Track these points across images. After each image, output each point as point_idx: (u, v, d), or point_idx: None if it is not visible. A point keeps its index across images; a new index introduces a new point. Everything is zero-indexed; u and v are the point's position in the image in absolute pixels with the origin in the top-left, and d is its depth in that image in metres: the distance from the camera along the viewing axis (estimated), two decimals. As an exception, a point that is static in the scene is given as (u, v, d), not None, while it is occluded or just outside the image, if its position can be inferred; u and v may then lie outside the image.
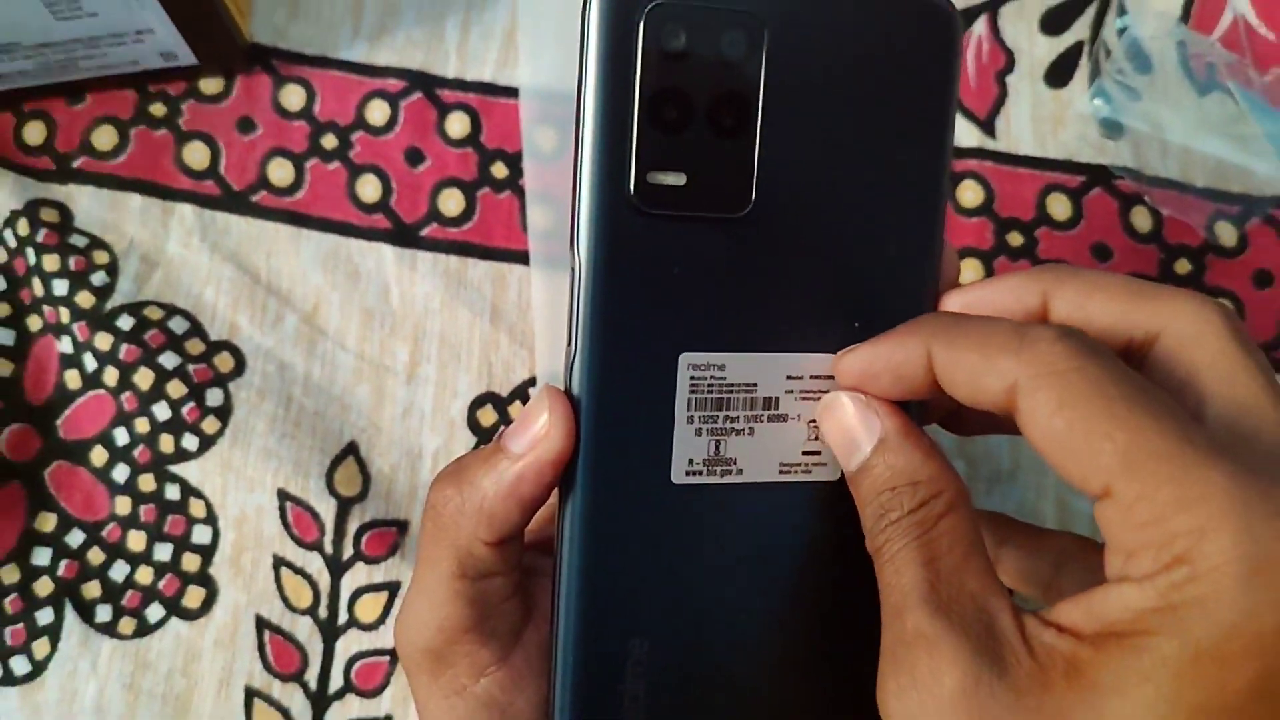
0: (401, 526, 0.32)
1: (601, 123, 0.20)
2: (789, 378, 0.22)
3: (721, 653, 0.23)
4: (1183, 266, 0.35)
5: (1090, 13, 0.38)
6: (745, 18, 0.21)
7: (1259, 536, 0.16)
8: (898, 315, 0.22)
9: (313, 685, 0.32)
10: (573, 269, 0.21)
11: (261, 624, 0.32)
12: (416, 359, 0.34)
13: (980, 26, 0.37)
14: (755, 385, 0.22)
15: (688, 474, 0.22)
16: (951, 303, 0.22)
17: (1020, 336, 0.18)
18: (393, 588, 0.32)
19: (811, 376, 0.23)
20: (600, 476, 0.22)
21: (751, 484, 0.23)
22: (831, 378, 0.22)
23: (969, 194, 0.35)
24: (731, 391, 0.22)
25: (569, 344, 0.21)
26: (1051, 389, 0.18)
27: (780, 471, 0.23)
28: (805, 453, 0.23)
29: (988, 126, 0.36)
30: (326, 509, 0.32)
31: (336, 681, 0.32)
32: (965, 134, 0.36)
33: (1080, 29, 0.38)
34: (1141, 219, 0.35)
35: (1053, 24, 0.38)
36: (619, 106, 0.20)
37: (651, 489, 0.22)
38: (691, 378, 0.22)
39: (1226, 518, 0.16)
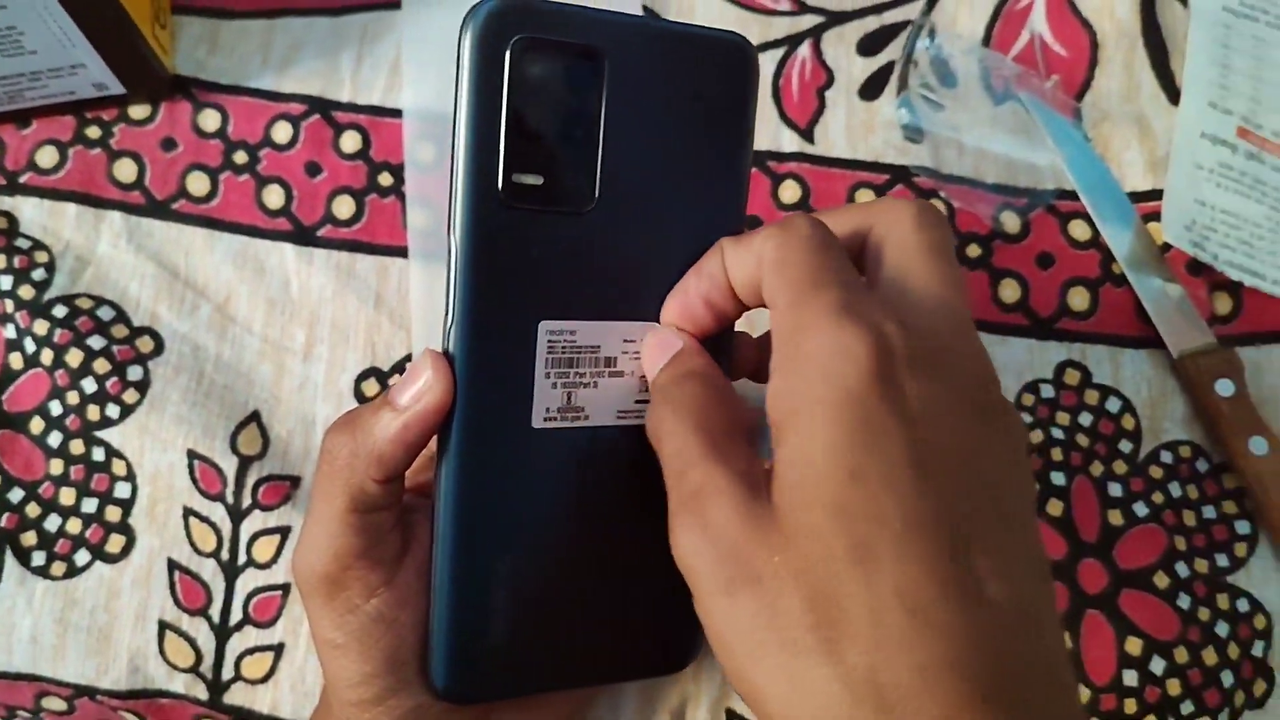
0: (294, 481, 0.38)
1: (475, 133, 0.25)
2: (625, 340, 0.28)
3: (573, 566, 0.28)
4: (973, 251, 0.41)
5: (903, 37, 0.43)
6: (590, 50, 0.26)
7: (826, 349, 0.22)
8: None
9: (216, 618, 0.37)
10: (450, 252, 0.26)
11: (173, 565, 0.37)
12: (312, 340, 0.40)
13: (805, 50, 0.43)
14: (599, 347, 0.28)
15: (545, 420, 0.27)
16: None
17: (776, 226, 0.25)
18: (285, 531, 0.37)
19: (643, 339, 0.28)
20: (473, 422, 0.26)
21: (596, 427, 0.28)
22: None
23: (788, 192, 0.41)
24: (580, 352, 0.28)
25: (446, 313, 0.26)
26: (777, 265, 0.24)
27: (618, 416, 0.28)
28: (637, 401, 0.28)
29: (807, 134, 0.42)
30: (229, 466, 0.37)
31: (236, 615, 0.37)
32: (787, 141, 0.42)
33: (893, 51, 0.43)
34: (937, 211, 0.41)
35: (868, 47, 0.43)
36: (489, 119, 0.25)
37: (516, 432, 0.27)
38: (549, 341, 0.27)
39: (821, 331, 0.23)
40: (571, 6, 0.26)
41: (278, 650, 0.36)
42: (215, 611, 0.37)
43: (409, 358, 0.39)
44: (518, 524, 0.27)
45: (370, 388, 0.39)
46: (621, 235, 0.27)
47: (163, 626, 0.37)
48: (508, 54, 0.25)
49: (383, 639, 0.27)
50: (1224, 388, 0.38)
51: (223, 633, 0.37)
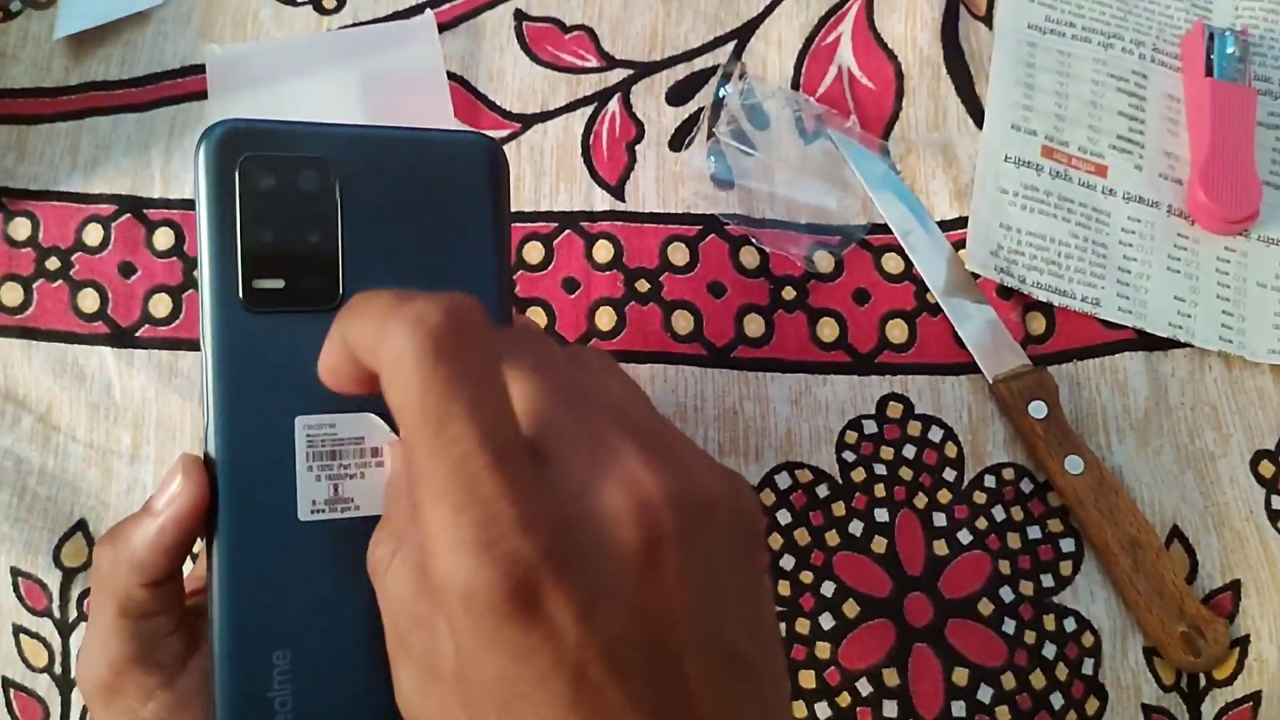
0: (123, 587, 0.38)
1: (213, 245, 0.26)
2: (392, 429, 0.28)
3: (352, 655, 0.28)
4: (789, 293, 0.41)
5: (712, 84, 0.44)
6: (317, 161, 0.27)
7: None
8: None
9: (56, 732, 0.37)
10: (204, 358, 0.26)
11: (7, 683, 0.37)
12: (138, 441, 0.40)
13: (614, 105, 0.43)
14: (362, 438, 0.28)
15: (312, 512, 0.28)
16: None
17: (411, 298, 0.20)
18: (111, 640, 0.37)
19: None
20: (235, 519, 0.27)
21: (368, 517, 0.28)
22: None
23: (602, 252, 0.41)
24: (342, 444, 0.28)
25: (204, 416, 0.27)
26: (390, 371, 0.20)
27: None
28: None
29: (618, 192, 0.42)
30: (53, 580, 0.38)
31: (76, 727, 0.37)
32: (599, 200, 0.42)
33: (703, 97, 0.44)
34: (750, 257, 0.41)
35: (676, 96, 0.44)
36: (226, 232, 0.26)
37: (282, 526, 0.27)
38: (308, 435, 0.27)
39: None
40: (298, 123, 0.27)
41: (116, 760, 0.37)
42: (54, 725, 0.37)
43: (232, 452, 0.39)
44: (292, 617, 0.27)
45: (197, 485, 0.39)
46: None
47: (3, 745, 0.37)
48: (237, 172, 0.26)
49: None
50: (1037, 409, 0.39)
51: (64, 745, 0.37)
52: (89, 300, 0.41)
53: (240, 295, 0.26)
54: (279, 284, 0.27)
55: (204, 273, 0.26)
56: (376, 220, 0.28)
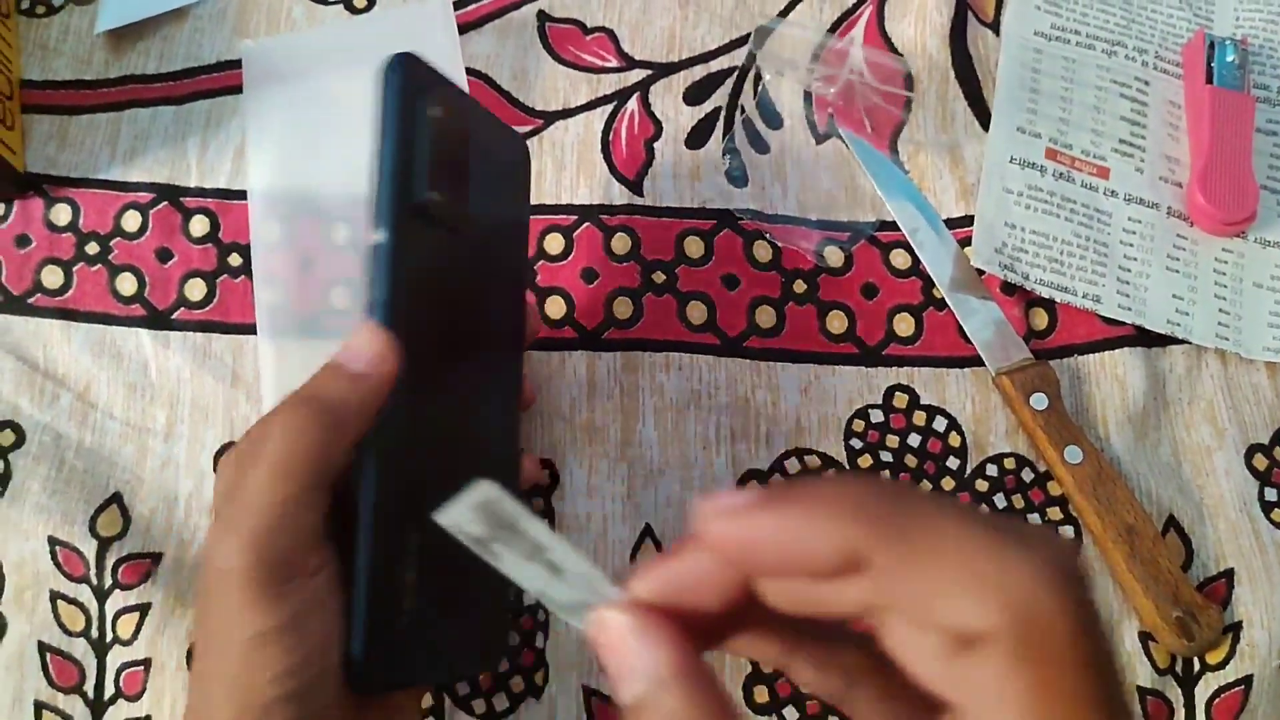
0: (156, 558, 0.39)
1: (395, 155, 0.29)
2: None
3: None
4: (800, 286, 0.42)
5: (728, 85, 0.45)
6: (461, 109, 0.32)
7: None
8: None
9: (90, 694, 0.38)
10: (373, 243, 0.29)
11: (44, 648, 0.39)
12: (172, 420, 0.41)
13: (633, 103, 0.45)
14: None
15: None
16: (724, 529, 0.20)
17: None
18: (144, 609, 0.39)
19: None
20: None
21: None
22: None
23: (619, 243, 0.43)
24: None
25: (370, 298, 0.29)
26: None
27: None
28: None
29: (636, 186, 0.44)
30: (89, 549, 0.39)
31: (109, 690, 0.39)
32: (617, 194, 0.43)
33: (719, 97, 0.45)
34: (762, 251, 0.43)
35: (695, 96, 0.45)
36: (409, 145, 0.30)
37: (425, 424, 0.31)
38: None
39: None
40: (445, 77, 0.32)
41: (147, 723, 0.38)
42: (90, 688, 0.38)
43: (262, 431, 0.41)
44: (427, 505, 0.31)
45: (228, 462, 0.41)
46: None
47: (39, 707, 0.38)
48: (419, 101, 0.30)
49: (315, 625, 0.26)
50: (1038, 401, 0.40)
51: (99, 708, 0.38)
52: (127, 284, 0.42)
53: (414, 199, 0.29)
54: (438, 196, 0.30)
55: (384, 178, 0.29)
56: (473, 170, 0.32)
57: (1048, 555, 0.18)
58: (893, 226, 0.43)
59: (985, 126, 0.45)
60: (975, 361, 0.42)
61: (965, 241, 0.43)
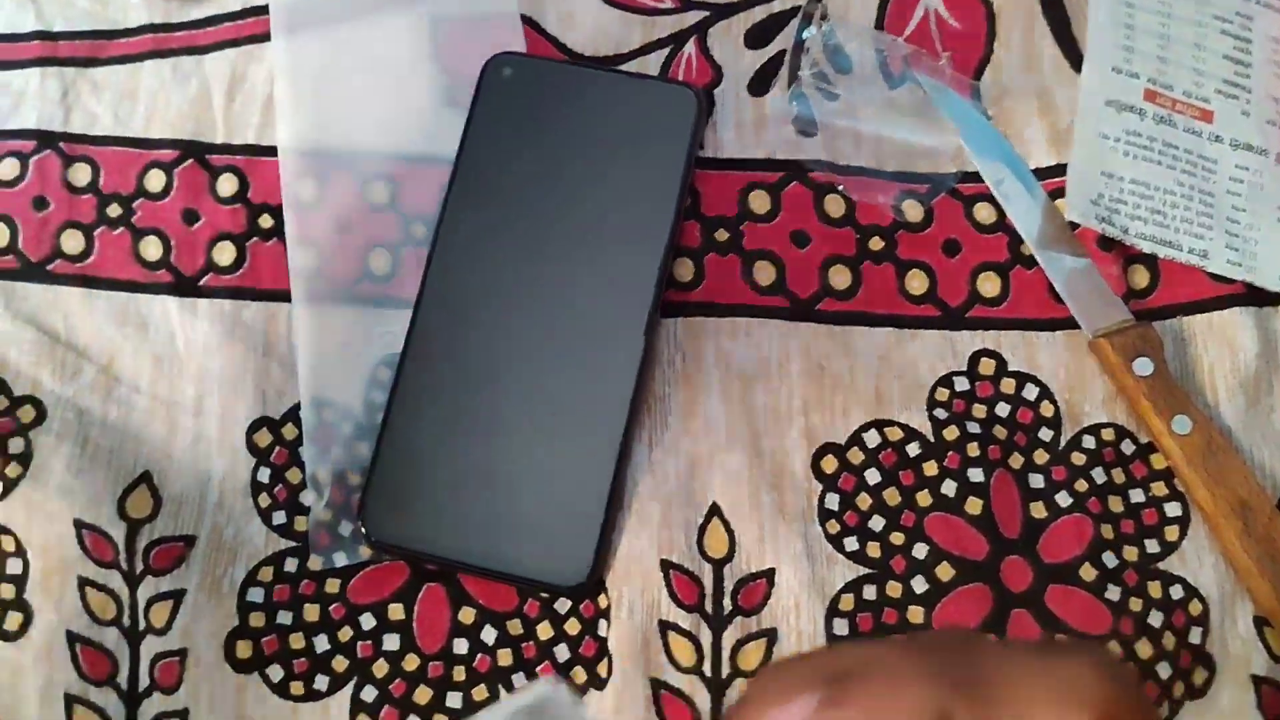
0: (189, 540, 0.37)
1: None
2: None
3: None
4: (876, 244, 0.39)
5: (792, 25, 0.42)
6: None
7: None
8: None
9: (124, 686, 0.36)
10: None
11: (73, 638, 0.36)
12: (201, 393, 0.38)
13: (690, 48, 0.42)
14: None
15: None
16: None
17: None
18: (178, 595, 0.36)
19: None
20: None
21: None
22: None
23: (679, 199, 0.39)
24: None
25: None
26: None
27: None
28: None
29: (696, 137, 0.40)
30: (118, 532, 0.37)
31: (144, 681, 0.36)
32: (675, 146, 0.40)
33: (782, 40, 0.42)
34: (835, 206, 0.39)
35: (756, 39, 0.42)
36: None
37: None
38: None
39: None
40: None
41: (183, 716, 0.36)
42: (123, 679, 0.36)
43: (298, 406, 0.38)
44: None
45: (263, 438, 0.38)
46: None
47: (70, 700, 0.36)
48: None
49: None
50: (1142, 366, 0.37)
51: (133, 700, 0.36)
52: (152, 248, 0.40)
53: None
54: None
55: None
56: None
57: (1100, 658, 0.20)
58: (976, 178, 0.40)
59: (1076, 67, 0.41)
60: (1068, 324, 0.38)
61: (1056, 193, 0.39)
